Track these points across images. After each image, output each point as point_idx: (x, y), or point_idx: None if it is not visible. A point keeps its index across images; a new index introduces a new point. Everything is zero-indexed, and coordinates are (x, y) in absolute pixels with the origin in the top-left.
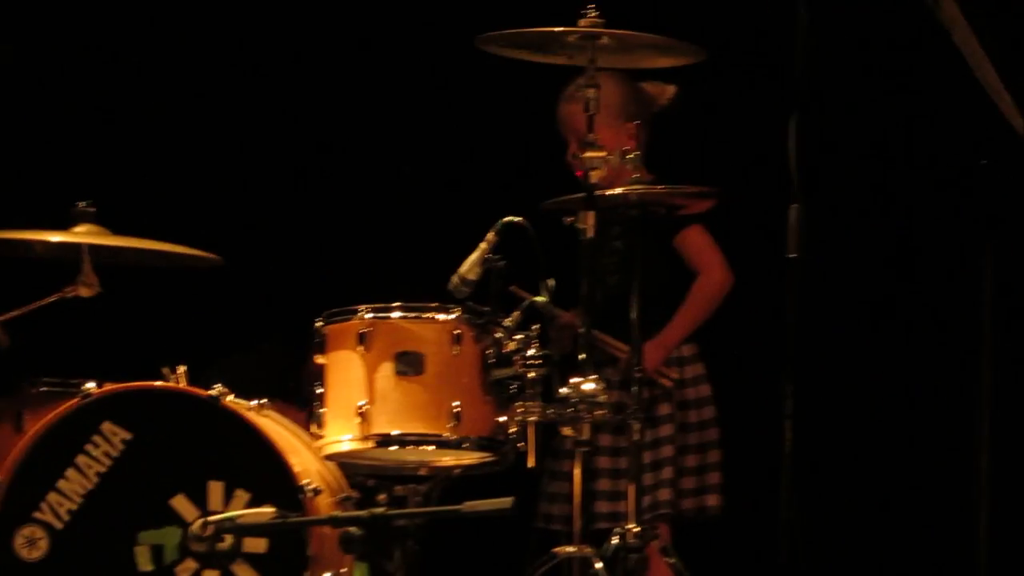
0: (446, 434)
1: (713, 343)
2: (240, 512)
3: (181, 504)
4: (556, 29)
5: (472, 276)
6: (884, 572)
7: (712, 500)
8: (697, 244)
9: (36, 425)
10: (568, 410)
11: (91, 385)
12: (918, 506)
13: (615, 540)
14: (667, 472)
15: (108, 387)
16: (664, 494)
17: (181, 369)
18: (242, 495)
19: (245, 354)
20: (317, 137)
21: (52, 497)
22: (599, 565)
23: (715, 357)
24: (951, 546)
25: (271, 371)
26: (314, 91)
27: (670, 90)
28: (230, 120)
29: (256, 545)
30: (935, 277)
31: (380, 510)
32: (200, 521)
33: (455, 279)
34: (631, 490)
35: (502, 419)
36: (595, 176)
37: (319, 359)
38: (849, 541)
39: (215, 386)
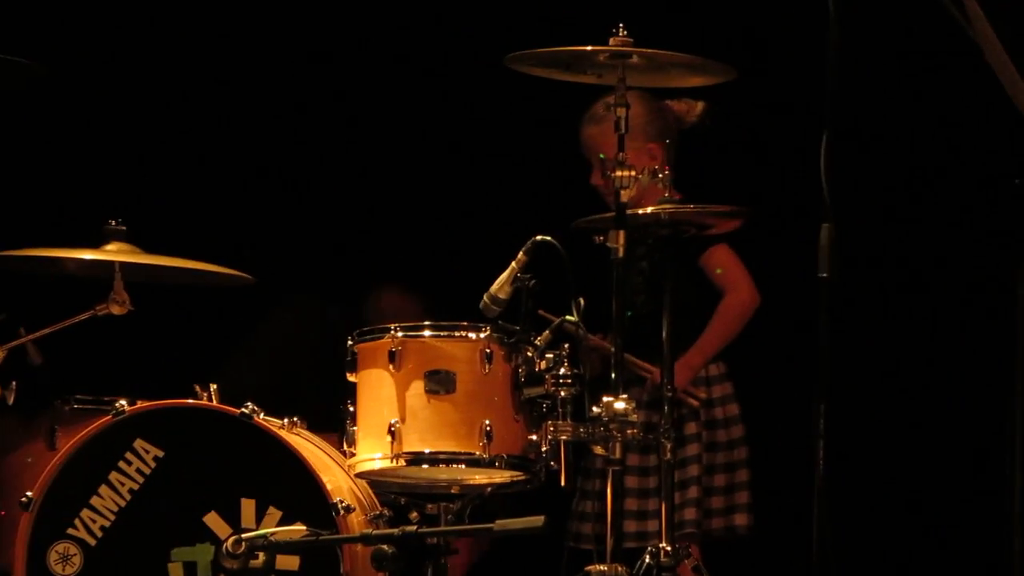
0: (477, 452)
1: (744, 363)
2: (273, 529)
3: (214, 521)
4: (586, 48)
5: (502, 295)
6: None
7: (741, 519)
8: (723, 263)
9: (69, 442)
10: (599, 429)
11: (123, 402)
12: (951, 526)
13: (648, 559)
14: (693, 491)
15: (140, 404)
16: (689, 513)
17: (213, 387)
18: (274, 512)
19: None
20: (351, 157)
21: (85, 514)
22: None
23: (745, 377)
24: (984, 568)
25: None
26: (349, 111)
27: (699, 107)
28: (263, 138)
29: (289, 563)
30: (967, 297)
31: (412, 528)
32: (233, 538)
33: (486, 298)
34: (663, 509)
35: (533, 438)
36: (624, 195)
37: (350, 377)
38: (881, 561)
39: (247, 404)
